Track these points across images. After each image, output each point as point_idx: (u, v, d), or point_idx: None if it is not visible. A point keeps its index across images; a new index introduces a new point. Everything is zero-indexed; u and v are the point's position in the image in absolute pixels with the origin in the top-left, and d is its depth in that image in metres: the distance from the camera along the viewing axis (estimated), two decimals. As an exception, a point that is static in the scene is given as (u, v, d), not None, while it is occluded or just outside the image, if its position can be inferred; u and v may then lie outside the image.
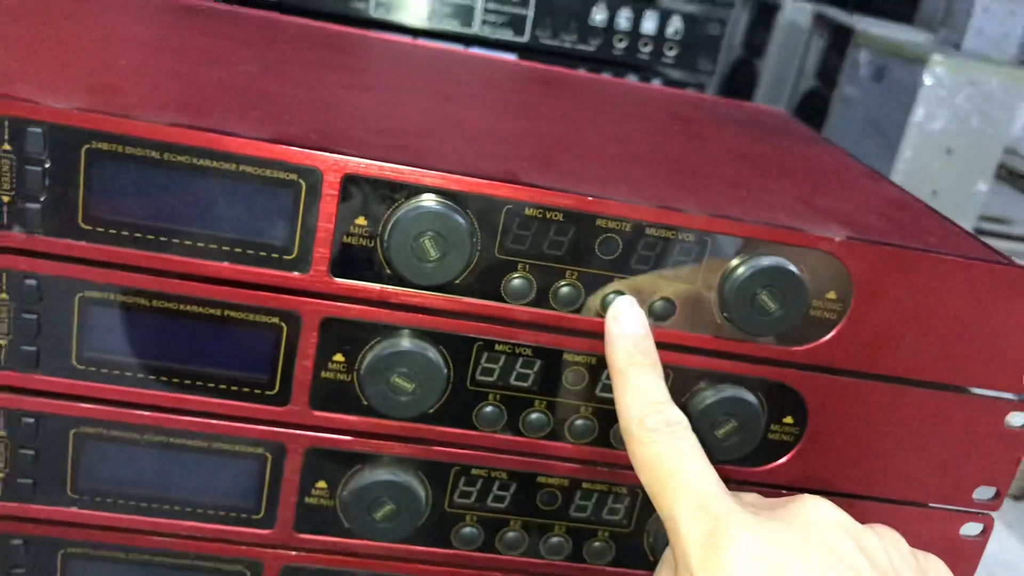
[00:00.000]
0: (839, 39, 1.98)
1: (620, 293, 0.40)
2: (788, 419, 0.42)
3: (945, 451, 0.44)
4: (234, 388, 0.40)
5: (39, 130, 0.36)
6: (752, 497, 0.38)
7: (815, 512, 0.34)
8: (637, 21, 0.86)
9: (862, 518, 0.43)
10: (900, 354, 0.42)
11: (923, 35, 1.95)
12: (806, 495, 0.36)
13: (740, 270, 0.39)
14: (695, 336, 0.41)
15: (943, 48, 1.74)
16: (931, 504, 0.45)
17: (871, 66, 1.80)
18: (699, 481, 0.35)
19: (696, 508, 0.34)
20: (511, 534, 0.44)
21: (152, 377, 0.40)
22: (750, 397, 0.41)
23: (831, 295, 0.40)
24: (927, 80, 1.64)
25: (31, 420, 0.40)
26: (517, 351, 0.41)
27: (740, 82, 2.14)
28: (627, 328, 0.39)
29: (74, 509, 0.41)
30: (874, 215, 0.45)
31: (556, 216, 0.39)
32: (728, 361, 0.41)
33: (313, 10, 0.82)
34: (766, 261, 0.39)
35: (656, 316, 0.40)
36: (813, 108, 1.94)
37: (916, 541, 0.44)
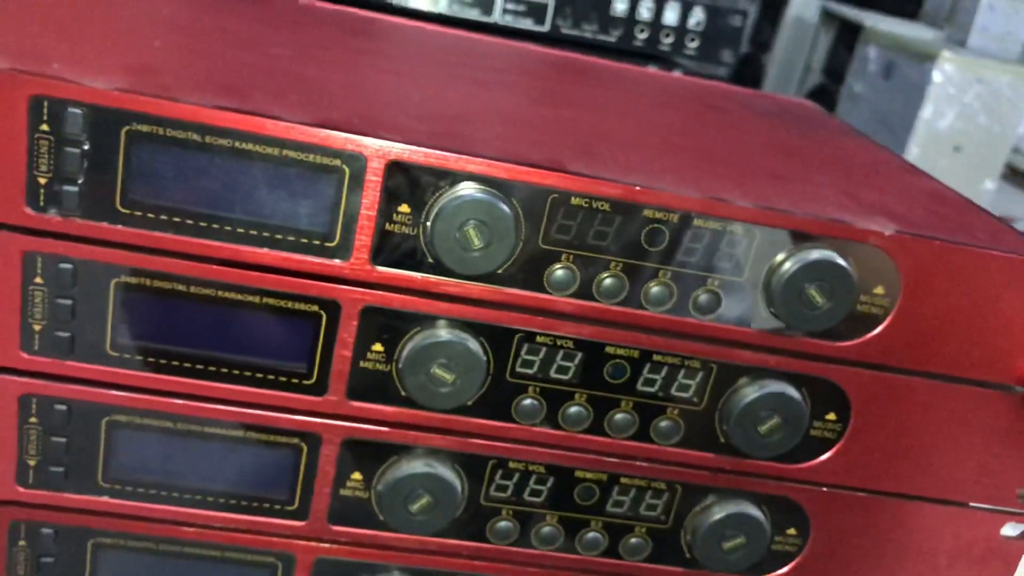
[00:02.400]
0: (847, 35, 1.97)
1: (667, 286, 0.39)
2: (831, 416, 0.42)
3: (988, 450, 0.43)
4: (270, 377, 0.40)
5: (78, 111, 0.35)
6: None
7: None
8: (659, 11, 0.85)
9: (902, 517, 0.43)
10: (946, 351, 0.41)
11: (929, 31, 1.94)
12: None
13: (788, 264, 0.39)
14: (739, 330, 0.40)
15: (952, 45, 1.73)
16: (972, 504, 0.44)
17: (880, 62, 1.80)
18: None
19: None
20: (547, 529, 0.43)
21: (186, 365, 0.39)
22: (794, 393, 0.41)
23: (879, 290, 0.40)
24: (936, 77, 1.63)
25: (63, 407, 0.39)
26: (558, 343, 0.40)
27: (746, 77, 2.13)
28: None
29: (105, 498, 0.41)
30: (920, 209, 0.44)
31: (602, 206, 0.38)
32: (773, 356, 0.41)
33: (334, -3, 0.81)
34: (815, 255, 0.39)
35: (700, 309, 0.40)
36: (820, 104, 1.93)
37: (956, 541, 0.43)
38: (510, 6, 0.84)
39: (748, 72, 2.17)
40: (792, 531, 0.44)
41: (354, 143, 0.36)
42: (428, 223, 0.37)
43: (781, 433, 0.41)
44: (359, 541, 0.43)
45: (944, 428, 0.42)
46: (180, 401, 0.40)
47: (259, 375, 0.40)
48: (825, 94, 2.00)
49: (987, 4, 1.83)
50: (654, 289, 0.39)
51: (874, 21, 1.88)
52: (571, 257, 0.39)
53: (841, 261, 0.38)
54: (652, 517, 0.44)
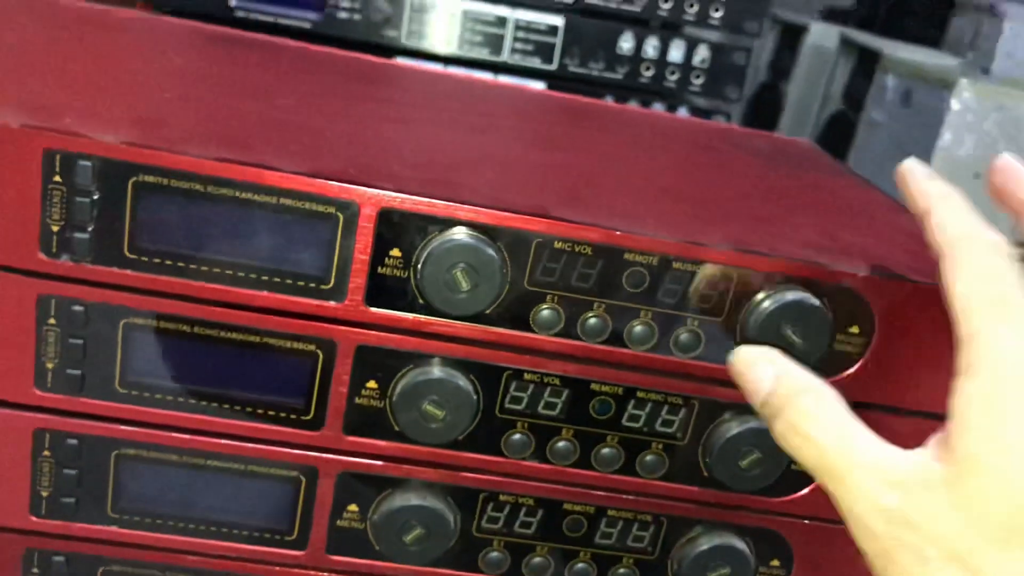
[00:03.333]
0: (866, 63, 1.98)
1: (648, 326, 0.41)
2: (811, 450, 0.43)
3: (967, 484, 0.44)
4: (270, 413, 0.41)
5: (89, 163, 0.37)
6: None
7: None
8: (664, 50, 0.87)
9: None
10: (923, 388, 0.42)
11: (951, 59, 1.95)
12: None
13: (764, 304, 0.40)
14: (720, 368, 0.41)
15: (971, 72, 1.73)
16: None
17: (898, 90, 1.80)
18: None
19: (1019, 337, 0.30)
20: (537, 559, 0.45)
21: (191, 401, 0.41)
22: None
23: (854, 329, 0.41)
24: (954, 105, 1.64)
25: (74, 441, 0.41)
26: (545, 380, 0.42)
27: (766, 105, 2.14)
28: (924, 170, 0.37)
29: (114, 528, 0.43)
30: (899, 249, 0.45)
31: (584, 249, 0.40)
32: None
33: (346, 39, 0.84)
34: (790, 296, 0.40)
35: (681, 348, 0.41)
36: (839, 132, 1.94)
37: None
38: (519, 46, 0.86)
39: (768, 100, 2.18)
40: (776, 562, 0.45)
41: (348, 191, 0.38)
42: (419, 266, 0.39)
43: (761, 467, 0.42)
44: (356, 571, 0.44)
45: (924, 463, 0.43)
46: (185, 435, 0.42)
47: (259, 411, 0.41)
48: (844, 122, 2.00)
49: (1011, 30, 1.83)
50: (636, 328, 0.41)
51: (893, 49, 1.89)
52: (556, 298, 0.40)
53: (815, 302, 0.40)
54: (639, 548, 0.45)
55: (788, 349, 0.40)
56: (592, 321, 0.41)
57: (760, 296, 0.40)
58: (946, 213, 0.35)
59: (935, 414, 0.42)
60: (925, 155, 1.68)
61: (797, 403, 0.34)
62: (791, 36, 2.16)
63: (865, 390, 0.42)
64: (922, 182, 0.37)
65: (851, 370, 0.42)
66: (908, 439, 0.43)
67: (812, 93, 2.12)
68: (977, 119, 1.68)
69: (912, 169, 0.37)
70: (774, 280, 0.40)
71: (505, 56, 0.86)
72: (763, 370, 0.36)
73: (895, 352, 0.41)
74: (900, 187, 0.38)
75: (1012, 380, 0.29)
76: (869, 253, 0.43)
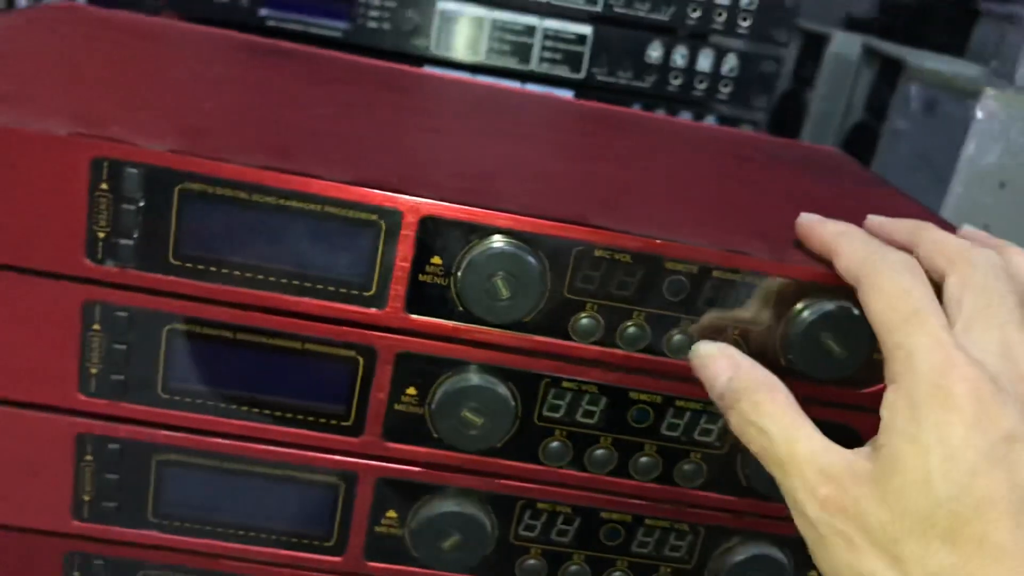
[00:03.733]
0: (889, 72, 1.97)
1: (687, 335, 0.41)
2: (850, 460, 0.43)
3: (1007, 495, 0.44)
4: (311, 418, 0.42)
5: (135, 171, 0.38)
6: None
7: None
8: (692, 58, 0.87)
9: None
10: (963, 398, 0.42)
11: (975, 68, 1.94)
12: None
13: (805, 314, 0.40)
14: (759, 377, 0.41)
15: (996, 81, 1.73)
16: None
17: (921, 99, 1.80)
18: (940, 322, 0.33)
19: (935, 346, 0.32)
20: (574, 568, 0.45)
21: (232, 407, 0.41)
22: (813, 438, 0.42)
23: (894, 339, 0.41)
24: (979, 114, 1.63)
25: (116, 446, 0.42)
26: (583, 388, 0.42)
27: (788, 114, 2.14)
28: (841, 226, 0.40)
29: (154, 532, 0.43)
30: (936, 259, 0.45)
31: (624, 258, 0.40)
32: (791, 402, 0.42)
33: (376, 48, 0.85)
34: (830, 305, 0.40)
35: (721, 356, 0.41)
36: (862, 141, 1.93)
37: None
38: (547, 54, 0.86)
39: (790, 108, 2.18)
40: (814, 573, 0.45)
41: (391, 199, 0.39)
42: (459, 274, 0.39)
43: (800, 477, 0.42)
44: (393, 576, 0.44)
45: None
46: (226, 440, 0.42)
47: (299, 416, 0.42)
48: (867, 130, 1.99)
49: (1034, 39, 1.82)
50: (676, 337, 0.41)
51: (916, 58, 1.88)
52: (595, 306, 0.40)
53: (856, 311, 0.40)
54: (676, 558, 0.45)
55: (828, 359, 0.40)
56: (631, 330, 0.41)
57: (800, 306, 0.40)
58: (849, 246, 0.38)
59: (975, 424, 0.42)
60: (950, 164, 1.67)
61: (751, 397, 0.35)
62: (813, 45, 2.16)
63: (905, 400, 0.42)
64: (819, 228, 0.40)
65: (891, 380, 0.41)
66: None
67: (835, 102, 2.12)
68: (1002, 128, 1.67)
69: (808, 221, 0.41)
70: (814, 289, 0.40)
71: (533, 65, 0.87)
72: (720, 365, 0.37)
73: (936, 362, 0.41)
74: (804, 242, 0.41)
75: (928, 386, 0.31)
76: (908, 262, 0.43)
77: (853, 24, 2.18)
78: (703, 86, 0.88)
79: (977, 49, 2.21)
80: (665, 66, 0.87)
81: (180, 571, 0.44)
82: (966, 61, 2.03)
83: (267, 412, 0.42)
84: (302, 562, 0.44)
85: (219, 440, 0.42)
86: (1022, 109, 1.68)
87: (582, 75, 0.87)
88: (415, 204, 0.39)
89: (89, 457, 0.42)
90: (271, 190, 0.38)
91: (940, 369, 0.32)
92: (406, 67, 0.68)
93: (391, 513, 0.43)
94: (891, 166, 1.84)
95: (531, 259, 0.39)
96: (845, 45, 2.12)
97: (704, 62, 0.87)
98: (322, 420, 0.42)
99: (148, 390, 0.41)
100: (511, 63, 0.86)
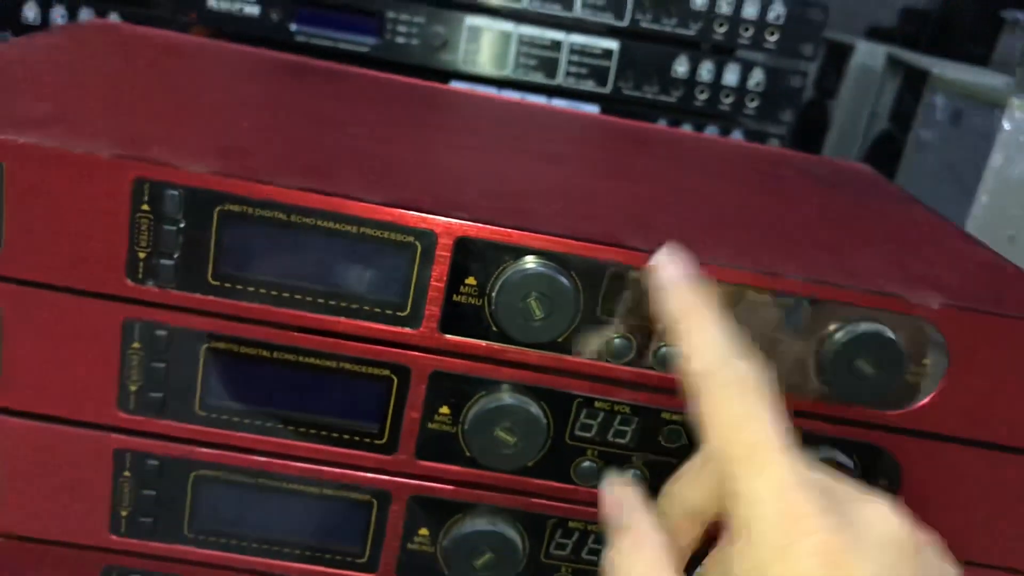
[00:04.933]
0: (913, 82, 1.96)
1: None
2: (882, 482, 0.43)
3: (1041, 518, 0.44)
4: (345, 436, 0.42)
5: (176, 192, 0.38)
6: (823, 476, 0.32)
7: (890, 525, 0.30)
8: (719, 73, 0.88)
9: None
10: (996, 420, 0.42)
11: (1000, 77, 1.93)
12: (878, 501, 0.31)
13: (838, 335, 0.40)
14: (791, 397, 0.41)
15: (1021, 91, 1.71)
16: (1026, 571, 0.45)
17: (947, 110, 1.79)
18: (783, 460, 0.30)
19: (778, 496, 0.29)
20: (605, 586, 0.45)
21: (268, 424, 0.42)
22: (844, 459, 0.42)
23: (927, 361, 0.41)
24: (1006, 125, 1.62)
25: (155, 463, 0.42)
26: (616, 408, 0.42)
27: (812, 124, 2.13)
28: (678, 271, 0.35)
29: (190, 547, 0.44)
30: (968, 280, 0.45)
31: (658, 279, 0.40)
32: (823, 423, 0.42)
33: (405, 63, 0.85)
34: (864, 327, 0.40)
35: (753, 377, 0.41)
36: (887, 152, 1.92)
37: (1010, 607, 0.44)
38: (573, 69, 0.87)
39: (814, 119, 2.17)
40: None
41: (425, 221, 0.39)
42: (493, 294, 0.40)
43: (832, 498, 0.42)
44: (425, 593, 0.45)
45: (996, 496, 0.43)
46: (262, 458, 0.43)
47: (334, 435, 0.42)
48: (891, 141, 1.98)
49: (1060, 48, 1.81)
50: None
51: (941, 68, 1.87)
52: (628, 327, 0.41)
53: (890, 334, 0.40)
54: (707, 577, 0.45)
55: (861, 380, 0.40)
56: (664, 350, 0.41)
57: (833, 327, 0.40)
58: (694, 341, 0.33)
59: (1007, 447, 0.42)
60: (976, 175, 1.66)
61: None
62: (837, 55, 2.15)
63: (939, 421, 0.42)
64: (672, 288, 0.35)
65: (925, 400, 0.41)
66: (979, 472, 0.43)
67: (858, 112, 2.11)
68: (1029, 139, 1.66)
69: (663, 266, 0.35)
70: (848, 310, 0.40)
71: (559, 79, 0.87)
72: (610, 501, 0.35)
73: (968, 383, 0.41)
74: (649, 284, 0.36)
75: (772, 551, 0.28)
76: (941, 283, 0.43)
77: (877, 34, 2.18)
78: (729, 100, 0.88)
79: (1002, 59, 2.20)
80: (691, 81, 0.87)
81: (215, 586, 0.45)
82: (991, 71, 2.02)
83: (302, 430, 0.42)
84: (336, 578, 0.44)
85: (254, 457, 0.42)
86: (1049, 120, 1.67)
87: (608, 90, 0.88)
88: (450, 225, 0.39)
89: (127, 473, 0.42)
90: (309, 211, 0.39)
91: (784, 527, 0.28)
92: (434, 84, 0.68)
93: (423, 531, 0.44)
94: (916, 177, 1.83)
95: (564, 280, 0.39)
96: (869, 55, 2.11)
97: (730, 77, 0.88)
98: (356, 438, 0.42)
99: (186, 407, 0.42)
100: (538, 78, 0.87)
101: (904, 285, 0.42)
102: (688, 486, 0.34)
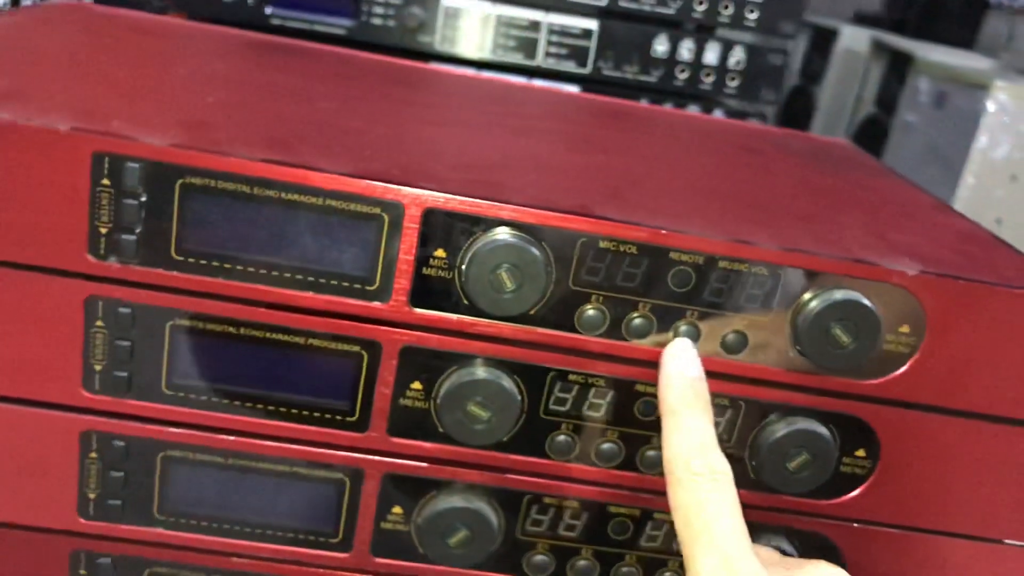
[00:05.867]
0: (898, 65, 1.96)
1: (694, 326, 0.40)
2: (860, 452, 0.42)
3: (1021, 486, 0.43)
4: (315, 414, 0.41)
5: (136, 166, 0.38)
6: (770, 555, 0.40)
7: None
8: (699, 52, 0.87)
9: (935, 553, 0.43)
10: (974, 388, 0.41)
11: (985, 61, 1.92)
12: (821, 563, 0.37)
13: (813, 304, 0.40)
14: (767, 369, 0.41)
15: (1006, 74, 1.71)
16: (1007, 540, 0.44)
17: (932, 93, 1.79)
18: (730, 539, 0.35)
19: (722, 567, 0.34)
20: (582, 563, 0.44)
21: (237, 403, 0.41)
22: (822, 430, 0.42)
23: (904, 329, 0.40)
24: (990, 107, 1.62)
25: (121, 443, 0.42)
26: (590, 381, 0.41)
27: (798, 109, 2.13)
28: (684, 369, 0.39)
29: (160, 530, 0.43)
30: (946, 248, 0.45)
31: (629, 249, 0.39)
32: (800, 394, 0.42)
33: (381, 43, 0.85)
34: (839, 295, 0.39)
35: (728, 349, 0.41)
36: (872, 135, 1.92)
37: (990, 577, 0.43)
38: (552, 50, 0.86)
39: (799, 103, 2.17)
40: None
41: (393, 192, 0.38)
42: (463, 267, 0.39)
43: (810, 469, 0.42)
44: (400, 573, 0.44)
45: (975, 464, 0.43)
46: (231, 437, 0.42)
47: (304, 412, 0.42)
48: (877, 124, 1.98)
49: (1045, 31, 1.80)
50: (682, 329, 0.40)
51: (926, 51, 1.87)
52: (601, 298, 0.40)
53: (866, 301, 0.39)
54: (685, 552, 0.44)
55: (838, 349, 0.40)
56: (637, 321, 0.40)
57: (809, 295, 0.40)
58: (676, 435, 0.38)
59: (986, 415, 0.42)
60: (961, 157, 1.66)
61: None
62: (822, 40, 2.15)
63: (917, 390, 0.41)
64: (674, 380, 0.39)
65: (902, 369, 0.41)
66: (957, 441, 0.42)
67: (844, 96, 2.10)
68: (1013, 121, 1.66)
69: (673, 358, 0.39)
70: (822, 279, 0.40)
71: (539, 60, 0.86)
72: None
73: (946, 352, 0.41)
74: (661, 367, 0.40)
75: None
76: (918, 252, 0.42)
77: (862, 18, 2.18)
78: (710, 80, 0.88)
79: (987, 42, 2.20)
80: (672, 60, 0.87)
81: (186, 568, 0.44)
82: (976, 54, 2.02)
83: (271, 408, 0.41)
84: (308, 559, 0.44)
85: (224, 437, 0.42)
86: (1033, 102, 1.67)
87: (588, 70, 0.87)
88: (418, 197, 0.38)
89: (94, 454, 0.42)
90: (273, 183, 0.38)
91: None
92: (411, 62, 0.67)
93: (397, 509, 0.43)
94: (902, 160, 1.83)
95: (535, 251, 0.39)
96: (854, 39, 2.11)
97: (711, 55, 0.87)
98: (327, 416, 0.41)
99: (152, 387, 0.41)
100: (517, 59, 0.86)
101: (881, 253, 0.41)
102: None
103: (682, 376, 0.39)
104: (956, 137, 1.68)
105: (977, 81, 1.65)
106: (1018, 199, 1.67)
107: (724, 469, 0.37)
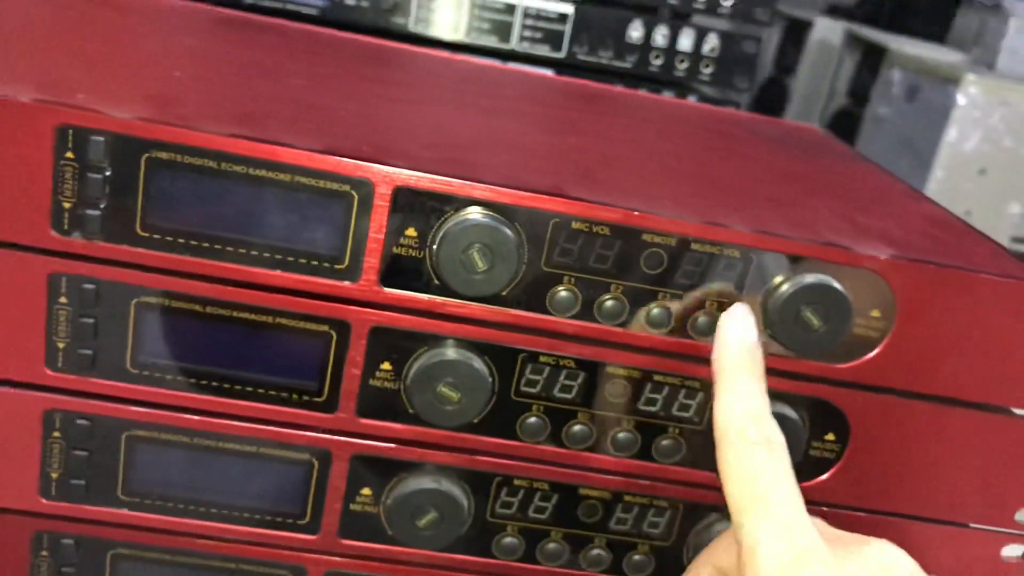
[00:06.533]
0: (871, 58, 1.97)
1: (665, 309, 0.40)
2: (830, 436, 0.43)
3: (988, 472, 0.44)
4: (283, 395, 0.41)
5: (101, 139, 0.37)
6: (826, 529, 0.38)
7: (891, 558, 0.34)
8: (673, 38, 0.87)
9: (902, 537, 0.43)
10: (944, 373, 0.42)
11: (956, 55, 1.94)
12: (883, 541, 0.35)
13: (784, 287, 0.40)
14: (738, 351, 0.41)
15: (976, 68, 1.73)
16: (972, 524, 0.45)
17: (903, 85, 1.80)
18: (789, 508, 0.34)
19: (781, 535, 0.33)
20: (552, 545, 0.44)
21: (203, 382, 0.41)
22: (792, 413, 0.42)
23: (875, 313, 0.41)
24: (960, 100, 1.63)
25: (85, 422, 0.41)
26: (561, 363, 0.41)
27: (772, 100, 2.14)
28: (743, 333, 0.38)
29: (124, 511, 0.42)
30: (916, 233, 0.45)
31: (602, 230, 0.39)
32: (770, 377, 0.41)
33: (354, 24, 0.84)
34: (810, 278, 0.39)
35: (699, 331, 0.41)
36: (845, 126, 1.93)
37: (956, 562, 0.44)
38: (527, 33, 0.85)
39: (773, 95, 2.18)
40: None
41: (363, 169, 0.38)
42: (434, 246, 0.39)
43: (780, 452, 0.42)
44: (369, 555, 0.44)
45: (943, 449, 0.43)
46: (197, 417, 0.41)
47: (272, 393, 0.41)
48: (849, 117, 2.00)
49: (1015, 27, 1.82)
50: (654, 311, 0.40)
51: (899, 44, 1.88)
52: (573, 280, 0.40)
53: (836, 285, 0.39)
54: (655, 534, 0.44)
55: (808, 332, 0.40)
56: (609, 303, 0.40)
57: (779, 279, 0.40)
58: (729, 398, 0.36)
59: (955, 400, 0.42)
60: (931, 150, 1.68)
61: None
62: (796, 31, 2.15)
63: (887, 374, 0.41)
64: (730, 344, 0.37)
65: (872, 354, 0.41)
66: (928, 426, 0.43)
67: (817, 88, 2.12)
68: (983, 114, 1.67)
69: (732, 323, 0.38)
70: (793, 262, 0.40)
71: (514, 44, 0.86)
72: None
73: (916, 336, 0.41)
74: (718, 330, 0.38)
75: None
76: (889, 236, 0.42)
77: (835, 11, 2.18)
78: (684, 66, 0.87)
79: (959, 36, 2.22)
80: (646, 46, 0.87)
81: (151, 550, 0.43)
82: (948, 48, 2.03)
83: (239, 388, 0.41)
84: (276, 540, 0.43)
85: (190, 416, 0.41)
86: (1002, 96, 1.69)
87: (563, 54, 0.86)
88: (388, 174, 0.38)
89: (57, 434, 0.41)
90: (240, 159, 0.37)
91: (788, 562, 0.32)
92: (385, 41, 0.67)
93: (366, 491, 0.43)
94: (873, 151, 1.84)
95: (507, 231, 0.38)
96: (828, 31, 2.12)
97: (685, 42, 0.87)
98: (295, 396, 0.41)
99: (117, 365, 0.40)
100: (491, 42, 0.85)
101: (851, 237, 0.41)
102: (720, 551, 0.39)
103: (741, 339, 0.37)
104: (927, 130, 1.70)
105: (948, 74, 1.66)
106: (987, 191, 1.69)
107: (780, 440, 0.36)
